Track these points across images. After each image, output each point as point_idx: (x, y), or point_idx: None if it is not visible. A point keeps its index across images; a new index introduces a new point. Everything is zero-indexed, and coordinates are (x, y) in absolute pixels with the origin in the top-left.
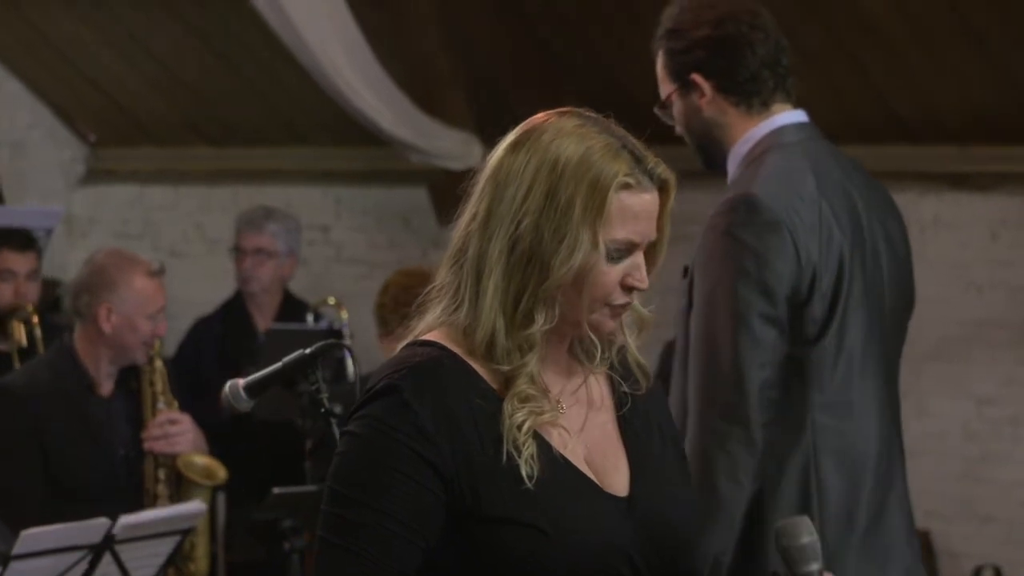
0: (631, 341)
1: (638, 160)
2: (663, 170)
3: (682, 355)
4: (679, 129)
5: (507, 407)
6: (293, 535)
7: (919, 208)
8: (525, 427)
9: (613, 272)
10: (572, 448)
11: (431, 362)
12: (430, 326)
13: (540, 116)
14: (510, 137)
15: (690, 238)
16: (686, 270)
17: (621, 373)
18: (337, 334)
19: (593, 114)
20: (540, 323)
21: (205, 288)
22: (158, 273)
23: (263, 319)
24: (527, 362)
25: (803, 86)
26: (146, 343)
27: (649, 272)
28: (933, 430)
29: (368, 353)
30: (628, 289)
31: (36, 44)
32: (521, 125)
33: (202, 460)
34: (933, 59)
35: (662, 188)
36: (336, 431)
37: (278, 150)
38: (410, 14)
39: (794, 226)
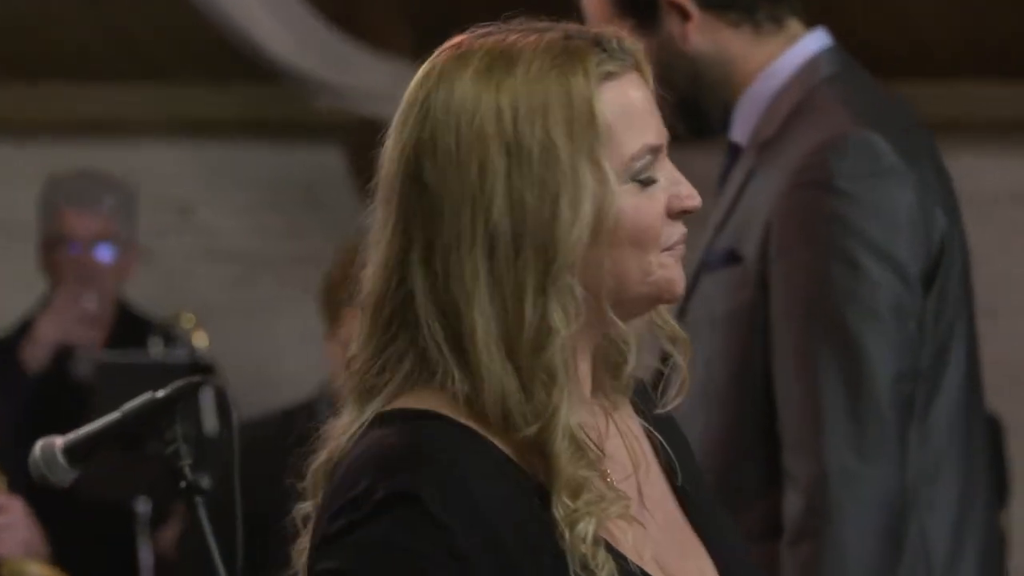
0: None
1: (598, 41)
2: (629, 40)
3: (739, 371)
4: None
5: (559, 511)
6: None
7: None
8: (590, 537)
9: (654, 200)
10: (641, 550)
11: (447, 446)
12: (397, 394)
13: (425, 71)
14: (405, 125)
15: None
16: (731, 255)
17: (645, 413)
18: (205, 368)
19: (495, 25)
20: (561, 330)
21: (2, 293)
22: None
23: (91, 343)
24: (556, 405)
25: None
26: None
27: None
28: None
29: (251, 394)
30: (678, 215)
31: None
32: (407, 99)
33: (37, 571)
34: None
35: (637, 67)
36: (203, 515)
37: (118, 89)
38: None
39: (919, 178)
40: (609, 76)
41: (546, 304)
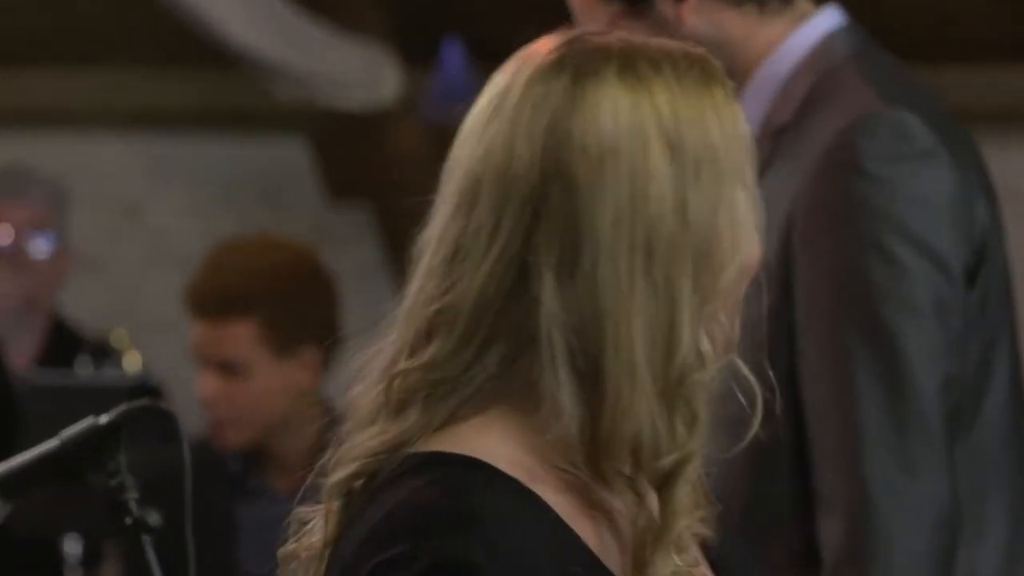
0: None
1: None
2: None
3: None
4: None
5: (658, 565)
6: None
7: None
8: None
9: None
10: None
11: (495, 503)
12: (461, 414)
13: (550, 65)
14: (528, 119)
15: None
16: None
17: None
18: (153, 390)
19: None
20: (713, 358)
21: None
22: None
23: (20, 357)
24: (695, 448)
25: None
26: None
27: None
28: None
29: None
30: None
31: None
32: (525, 93)
33: None
34: None
35: None
36: (152, 556)
37: (58, 76)
38: None
39: (958, 164)
40: (734, 95)
41: (698, 327)
